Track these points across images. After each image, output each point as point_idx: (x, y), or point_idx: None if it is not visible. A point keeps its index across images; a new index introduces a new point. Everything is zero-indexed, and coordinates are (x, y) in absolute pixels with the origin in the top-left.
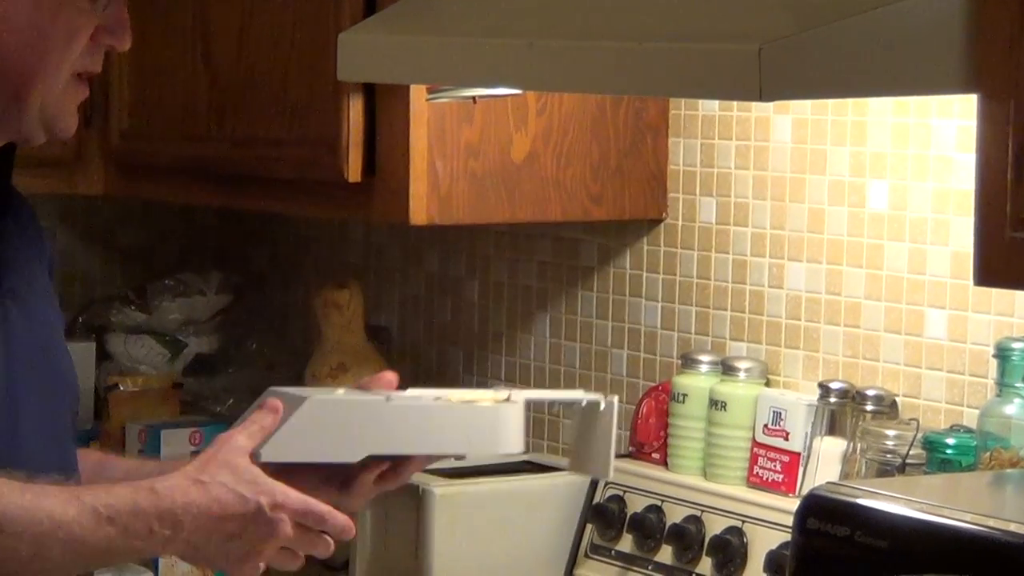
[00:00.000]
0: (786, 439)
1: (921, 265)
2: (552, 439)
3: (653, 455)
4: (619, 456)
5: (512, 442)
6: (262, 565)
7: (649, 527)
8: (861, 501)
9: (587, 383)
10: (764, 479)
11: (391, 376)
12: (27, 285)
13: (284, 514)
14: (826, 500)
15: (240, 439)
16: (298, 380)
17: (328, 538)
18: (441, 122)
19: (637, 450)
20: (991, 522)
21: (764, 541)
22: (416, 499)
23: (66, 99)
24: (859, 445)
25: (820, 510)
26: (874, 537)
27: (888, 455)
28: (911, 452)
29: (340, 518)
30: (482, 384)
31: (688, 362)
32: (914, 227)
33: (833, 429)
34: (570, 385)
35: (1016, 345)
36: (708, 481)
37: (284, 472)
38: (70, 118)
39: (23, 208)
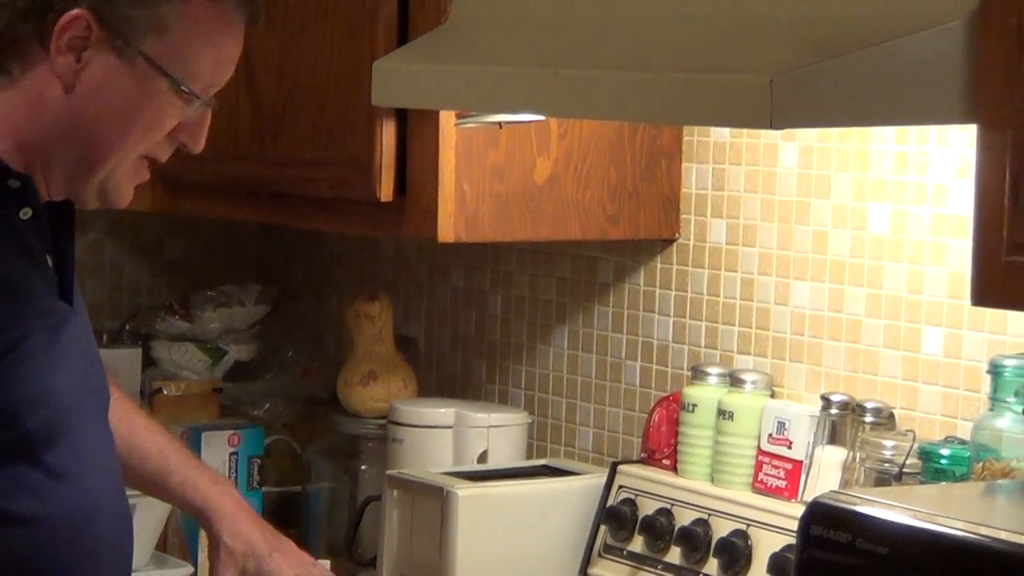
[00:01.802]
0: (789, 448)
1: (919, 285)
2: (568, 445)
3: (664, 461)
4: (632, 462)
5: None
6: None
7: (659, 529)
8: (862, 509)
9: (602, 393)
10: (768, 485)
11: None
12: (79, 297)
13: None
14: (829, 508)
15: None
16: (331, 386)
17: None
18: (469, 146)
19: (649, 456)
20: (983, 530)
21: (768, 544)
22: (440, 500)
23: (126, 177)
24: (858, 454)
25: (823, 517)
26: (874, 543)
27: (886, 464)
28: (907, 462)
29: None
30: (503, 393)
31: (698, 374)
32: (913, 249)
33: (834, 439)
34: (586, 397)
35: (1008, 362)
36: (715, 486)
37: None
38: (126, 193)
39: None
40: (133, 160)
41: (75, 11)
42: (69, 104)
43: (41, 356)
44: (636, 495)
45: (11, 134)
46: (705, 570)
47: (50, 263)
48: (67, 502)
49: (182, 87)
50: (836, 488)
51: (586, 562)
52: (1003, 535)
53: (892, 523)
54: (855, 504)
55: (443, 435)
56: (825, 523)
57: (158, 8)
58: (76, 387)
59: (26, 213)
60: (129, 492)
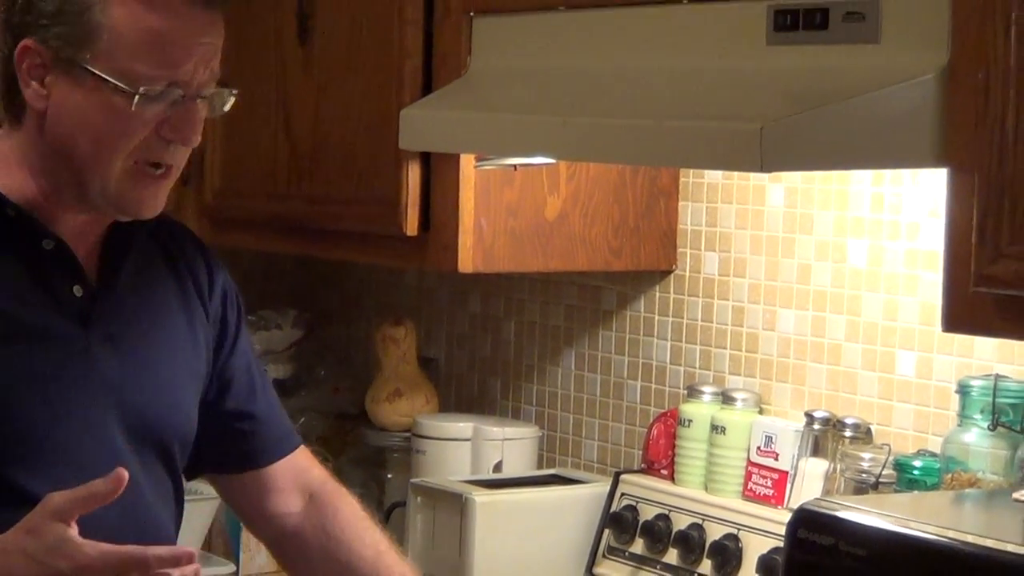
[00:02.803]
0: (776, 459)
1: (894, 313)
2: (575, 456)
3: (662, 471)
4: (633, 472)
5: None
6: None
7: (658, 533)
8: (843, 515)
9: (606, 409)
10: (757, 493)
11: None
12: (136, 329)
13: (93, 574)
14: (814, 513)
15: (56, 500)
16: (360, 402)
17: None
18: (486, 186)
19: (648, 467)
20: (951, 534)
21: (757, 546)
22: (460, 505)
23: (127, 187)
24: (839, 466)
25: (809, 522)
26: (854, 546)
27: (864, 475)
28: (883, 472)
29: (166, 551)
30: (516, 409)
31: (693, 392)
32: (888, 281)
33: (816, 452)
34: (591, 412)
35: (975, 383)
36: (709, 494)
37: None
38: (139, 203)
39: (161, 252)
40: (126, 168)
41: (23, 42)
42: (48, 129)
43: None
44: (637, 502)
45: (27, 166)
46: (700, 570)
47: (79, 292)
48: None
49: (122, 91)
50: (819, 496)
51: (591, 562)
52: (970, 539)
53: (871, 527)
54: (837, 510)
55: (462, 447)
56: (810, 527)
57: (82, 18)
58: (67, 413)
59: (48, 244)
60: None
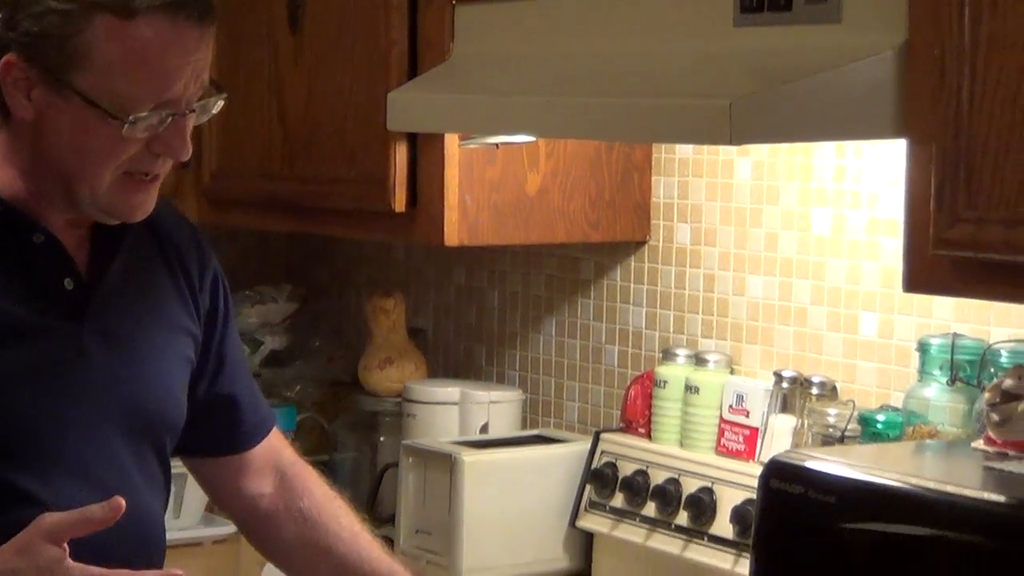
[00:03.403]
0: (747, 417)
1: (856, 278)
2: (557, 417)
3: (640, 429)
4: (612, 431)
5: None
6: None
7: (637, 487)
8: (812, 465)
9: (586, 373)
10: (730, 448)
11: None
12: (129, 321)
13: None
14: (785, 464)
15: (50, 521)
16: (353, 370)
17: None
18: (470, 164)
19: (626, 426)
20: (913, 480)
21: (730, 498)
22: (449, 465)
23: (116, 196)
24: (806, 421)
25: (780, 472)
26: (823, 493)
27: (830, 429)
28: (848, 427)
29: (155, 575)
30: (501, 374)
31: (668, 355)
32: (850, 247)
33: (785, 408)
34: (572, 376)
35: (934, 341)
36: (684, 450)
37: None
38: (129, 209)
39: (153, 241)
40: (111, 180)
41: (7, 56)
42: (36, 138)
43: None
44: (616, 459)
45: (15, 164)
46: (677, 522)
47: (70, 285)
48: (26, 518)
49: (112, 116)
50: (788, 450)
51: (574, 516)
52: (931, 484)
53: (838, 476)
54: (807, 461)
55: (450, 410)
56: (781, 477)
57: (71, 41)
58: (61, 409)
59: (38, 237)
60: (175, 464)
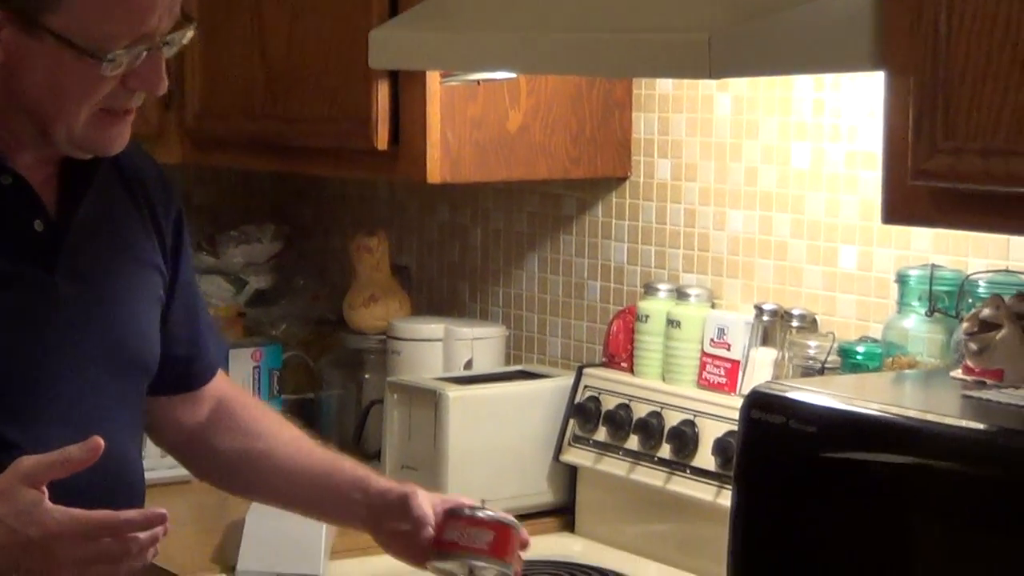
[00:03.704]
0: (728, 350)
1: (835, 211)
2: (540, 353)
3: (622, 364)
4: (595, 365)
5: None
6: None
7: (619, 421)
8: (793, 395)
9: (568, 308)
10: (711, 381)
11: None
12: (102, 262)
13: (63, 541)
14: (765, 395)
15: (27, 464)
16: (338, 309)
17: (141, 538)
18: (451, 101)
19: (609, 360)
20: (893, 409)
21: (712, 430)
22: (434, 401)
23: (93, 131)
24: (787, 353)
25: (761, 403)
26: (804, 423)
27: (810, 361)
28: (829, 359)
29: (138, 515)
30: (484, 311)
31: (649, 290)
32: (829, 181)
33: (766, 341)
34: (555, 312)
35: (912, 272)
36: (666, 384)
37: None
38: (106, 144)
39: (119, 179)
40: (88, 117)
41: None
42: (7, 79)
43: None
44: (599, 393)
45: None
46: (659, 454)
47: (39, 227)
48: (5, 465)
49: (88, 55)
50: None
51: (558, 450)
52: (910, 413)
53: (818, 405)
54: (787, 391)
55: (434, 347)
56: (762, 407)
57: None
58: (38, 354)
59: (6, 179)
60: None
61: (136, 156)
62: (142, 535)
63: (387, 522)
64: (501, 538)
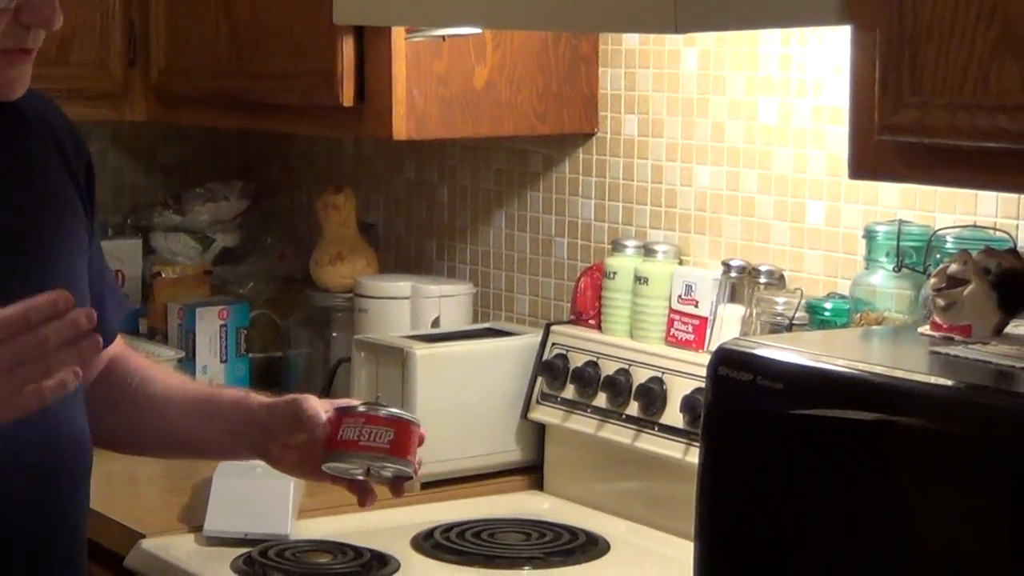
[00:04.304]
0: (696, 306)
1: (803, 166)
2: (508, 310)
3: (590, 321)
4: (563, 323)
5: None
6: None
7: (587, 378)
8: (760, 352)
9: (536, 265)
10: (679, 338)
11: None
12: (26, 217)
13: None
14: (733, 352)
15: None
16: (304, 267)
17: (60, 329)
18: (417, 57)
19: (577, 317)
20: (861, 365)
21: (680, 388)
22: (401, 359)
23: None
24: (755, 310)
25: (728, 360)
26: (771, 380)
27: (778, 317)
28: (797, 315)
29: (43, 299)
30: (451, 268)
31: (617, 247)
32: (797, 136)
33: (733, 298)
34: (522, 269)
35: (879, 228)
36: (634, 341)
37: None
38: (7, 85)
39: (31, 128)
40: None
41: None
42: None
43: None
44: (567, 350)
45: None
46: (627, 412)
47: None
48: None
49: None
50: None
51: (526, 408)
52: (878, 369)
53: (786, 362)
54: (755, 348)
55: (401, 305)
56: (729, 364)
57: None
58: None
59: None
60: None
61: (41, 103)
62: (59, 326)
63: (280, 436)
64: (401, 436)
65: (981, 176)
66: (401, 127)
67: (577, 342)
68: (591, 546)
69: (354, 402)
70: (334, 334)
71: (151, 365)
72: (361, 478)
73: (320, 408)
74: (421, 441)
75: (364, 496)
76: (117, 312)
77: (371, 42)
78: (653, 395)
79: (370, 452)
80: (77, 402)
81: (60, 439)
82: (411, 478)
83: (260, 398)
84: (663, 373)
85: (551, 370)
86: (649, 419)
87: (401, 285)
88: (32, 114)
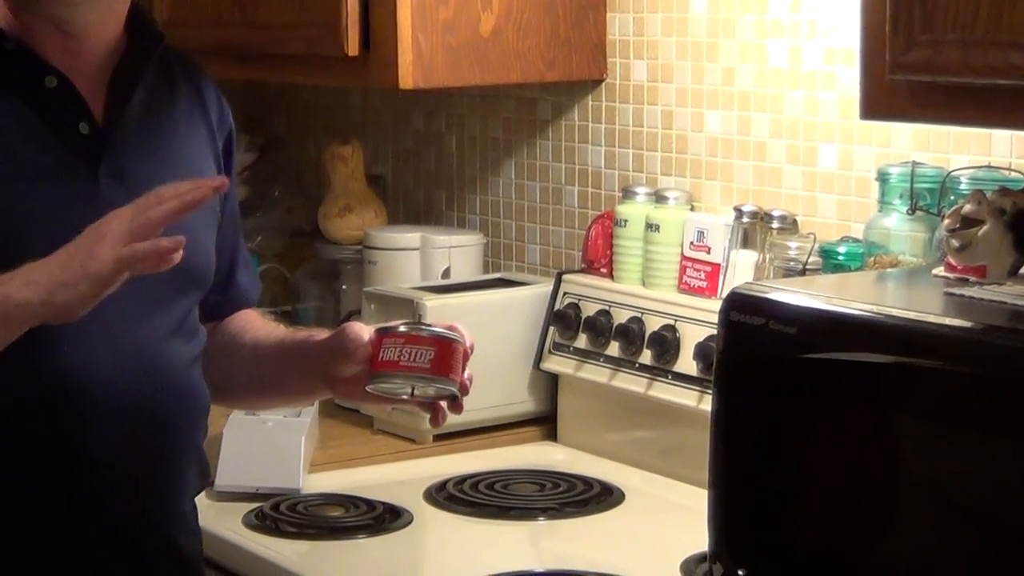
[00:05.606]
0: (708, 253)
1: (814, 109)
2: (519, 260)
3: (601, 269)
4: (574, 272)
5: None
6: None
7: (600, 327)
8: (773, 296)
9: (546, 214)
10: (692, 285)
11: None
12: (149, 165)
13: (113, 217)
14: (745, 296)
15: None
16: (313, 219)
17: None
18: (422, 4)
19: (588, 266)
20: (874, 308)
21: (693, 335)
22: (412, 310)
23: None
24: (768, 255)
25: (740, 304)
26: (784, 324)
27: (791, 263)
28: (810, 260)
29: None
30: (461, 219)
31: (628, 194)
32: (808, 79)
33: (746, 243)
34: (532, 218)
35: (893, 170)
36: (647, 289)
37: None
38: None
39: (168, 85)
40: None
41: None
42: None
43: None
44: (579, 299)
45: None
46: (640, 360)
47: (85, 130)
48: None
49: None
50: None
51: (539, 358)
52: (892, 311)
53: (799, 306)
54: (767, 292)
55: (411, 256)
56: (742, 309)
57: None
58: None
59: (51, 81)
60: None
61: (191, 65)
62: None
63: (333, 368)
64: (443, 354)
65: (994, 115)
66: (407, 76)
67: (589, 291)
68: (606, 496)
69: (397, 323)
70: (344, 287)
71: (255, 317)
72: (406, 398)
73: (364, 332)
74: (467, 358)
75: (435, 414)
76: (250, 287)
77: None
78: (666, 343)
79: (411, 372)
80: (183, 356)
81: (159, 385)
82: (456, 397)
83: (322, 333)
84: (676, 321)
85: (563, 320)
86: (662, 367)
87: (410, 236)
88: (181, 73)
